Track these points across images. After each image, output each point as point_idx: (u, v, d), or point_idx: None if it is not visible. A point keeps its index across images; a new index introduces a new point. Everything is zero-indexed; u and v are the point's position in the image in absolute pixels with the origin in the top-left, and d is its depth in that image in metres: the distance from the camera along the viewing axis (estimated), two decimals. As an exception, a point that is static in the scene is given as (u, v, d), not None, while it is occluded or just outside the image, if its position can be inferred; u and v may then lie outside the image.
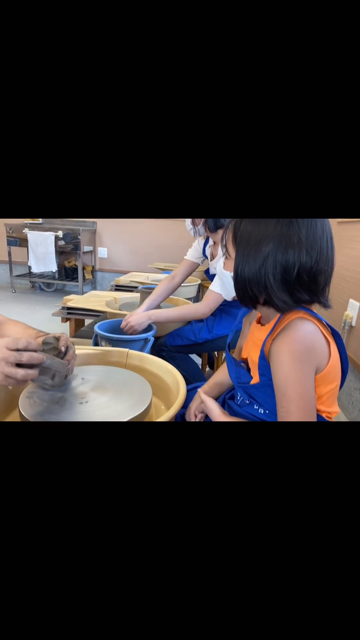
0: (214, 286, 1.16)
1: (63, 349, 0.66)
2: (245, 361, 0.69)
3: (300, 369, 0.53)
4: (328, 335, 0.56)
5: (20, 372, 0.52)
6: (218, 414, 0.65)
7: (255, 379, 0.63)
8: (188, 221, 1.28)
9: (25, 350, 0.53)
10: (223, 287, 0.66)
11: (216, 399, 0.76)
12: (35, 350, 0.54)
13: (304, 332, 0.53)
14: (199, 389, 0.72)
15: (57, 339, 0.66)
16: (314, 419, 0.55)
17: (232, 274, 0.59)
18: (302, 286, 0.54)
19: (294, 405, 0.53)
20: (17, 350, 0.52)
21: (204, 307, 1.18)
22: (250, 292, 0.56)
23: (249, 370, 0.67)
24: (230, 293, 0.65)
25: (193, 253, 1.41)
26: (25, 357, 0.52)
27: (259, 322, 0.67)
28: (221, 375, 0.80)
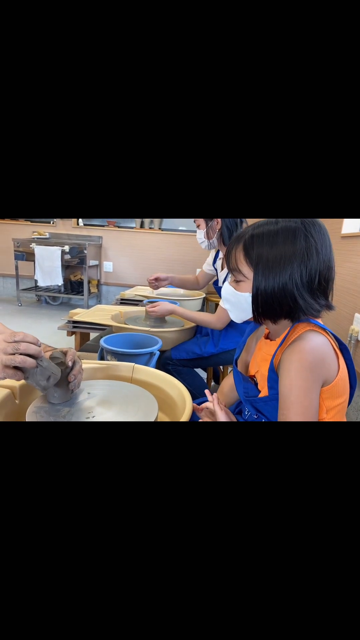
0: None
1: (70, 363, 0.66)
2: (254, 377, 0.69)
3: (307, 378, 0.53)
4: (337, 349, 0.57)
5: (19, 357, 0.54)
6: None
7: (264, 393, 0.63)
8: (201, 234, 1.30)
9: (22, 341, 0.55)
10: (239, 310, 0.65)
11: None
12: (33, 343, 0.56)
13: (316, 343, 0.54)
14: (206, 403, 0.71)
15: (65, 353, 0.67)
16: None
17: (249, 294, 0.59)
18: (320, 291, 0.57)
19: (293, 412, 0.53)
20: (15, 342, 0.54)
21: (216, 322, 1.26)
22: (277, 306, 0.58)
23: (256, 385, 0.67)
24: (244, 315, 0.64)
25: (207, 267, 1.50)
26: (23, 346, 0.54)
27: (267, 337, 0.68)
28: (226, 390, 0.80)
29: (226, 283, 0.66)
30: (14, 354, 0.53)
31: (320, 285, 0.57)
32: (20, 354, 0.54)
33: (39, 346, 0.57)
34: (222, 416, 0.66)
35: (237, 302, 0.63)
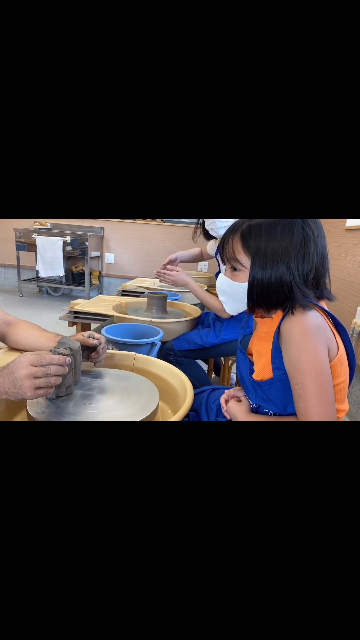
0: None
1: (96, 342, 0.72)
2: (251, 355, 0.69)
3: (313, 342, 0.53)
4: (333, 328, 0.58)
5: (52, 379, 0.55)
6: (243, 415, 0.65)
7: (263, 374, 0.62)
8: (209, 221, 1.31)
9: (50, 364, 0.55)
10: (235, 301, 0.64)
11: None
12: (60, 364, 0.57)
13: (313, 314, 0.55)
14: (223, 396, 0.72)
15: (88, 336, 0.72)
16: (331, 394, 0.54)
17: (247, 284, 0.59)
18: (309, 286, 0.58)
19: (308, 378, 0.53)
20: (43, 366, 0.55)
21: (223, 312, 1.27)
22: (273, 296, 0.58)
23: (252, 364, 0.67)
24: (241, 306, 0.64)
25: (210, 248, 1.56)
26: (53, 370, 0.55)
27: (262, 316, 0.67)
28: None
29: (221, 275, 0.65)
30: (46, 377, 0.55)
31: (316, 275, 0.57)
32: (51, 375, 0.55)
33: (66, 363, 0.58)
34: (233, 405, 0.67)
35: (233, 293, 0.63)
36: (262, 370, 0.63)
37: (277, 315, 0.61)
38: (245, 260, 0.59)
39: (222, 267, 1.38)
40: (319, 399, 0.52)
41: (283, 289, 0.56)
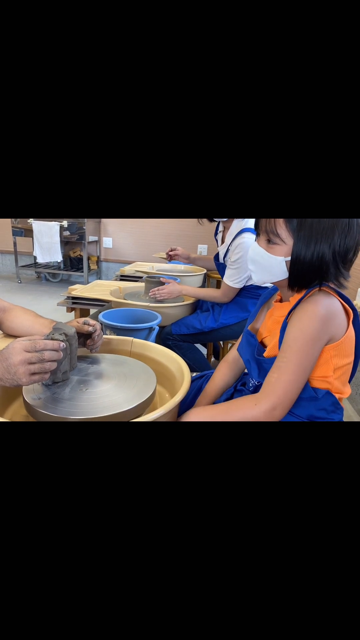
0: (229, 279, 1.26)
1: (91, 329, 0.71)
2: (263, 341, 0.70)
3: (317, 328, 0.55)
4: (349, 309, 0.58)
5: (47, 364, 0.54)
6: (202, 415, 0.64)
7: (273, 352, 0.63)
8: None
9: (44, 350, 0.54)
10: (266, 273, 0.62)
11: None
12: (55, 350, 0.56)
13: (328, 300, 0.56)
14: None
15: (83, 323, 0.71)
16: (306, 378, 0.56)
17: (284, 258, 0.59)
18: (346, 266, 0.58)
19: (295, 357, 0.55)
20: (37, 351, 0.54)
21: (222, 297, 1.32)
22: (312, 274, 0.58)
23: (265, 347, 0.67)
24: (270, 278, 0.63)
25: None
26: (47, 355, 0.54)
27: (279, 300, 0.68)
28: (230, 359, 0.79)
29: (255, 244, 0.64)
30: (41, 363, 0.54)
31: (353, 255, 0.57)
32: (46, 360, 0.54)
33: (61, 349, 0.57)
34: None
35: (267, 265, 0.62)
36: (272, 349, 0.64)
37: (294, 298, 0.61)
38: (285, 235, 0.58)
39: (221, 250, 1.36)
40: (294, 378, 0.55)
41: (322, 267, 0.56)
